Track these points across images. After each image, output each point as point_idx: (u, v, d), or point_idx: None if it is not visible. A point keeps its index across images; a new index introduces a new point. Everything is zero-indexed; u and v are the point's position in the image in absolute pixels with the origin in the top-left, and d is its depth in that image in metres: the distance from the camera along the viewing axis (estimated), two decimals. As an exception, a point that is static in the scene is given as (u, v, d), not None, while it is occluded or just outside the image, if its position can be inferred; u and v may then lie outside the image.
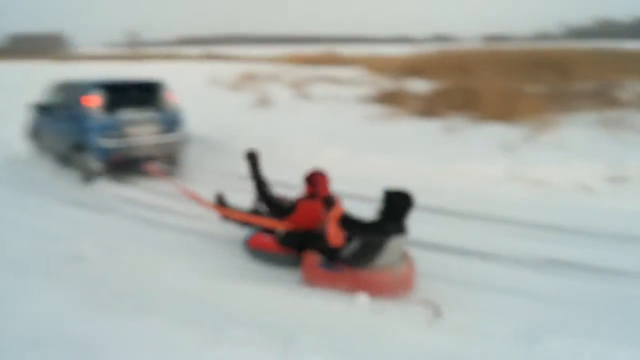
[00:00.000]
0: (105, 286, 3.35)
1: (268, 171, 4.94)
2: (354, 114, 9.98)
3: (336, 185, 4.21)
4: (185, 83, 21.49)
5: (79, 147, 6.43)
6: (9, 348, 2.57)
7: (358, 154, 7.25)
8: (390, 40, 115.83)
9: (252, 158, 4.45)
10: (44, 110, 7.32)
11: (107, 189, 6.27)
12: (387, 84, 13.37)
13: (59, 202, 5.77)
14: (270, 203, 4.29)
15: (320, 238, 3.63)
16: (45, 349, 2.51)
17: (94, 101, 6.34)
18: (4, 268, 3.64)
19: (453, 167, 6.48)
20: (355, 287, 3.27)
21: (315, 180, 3.90)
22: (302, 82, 14.70)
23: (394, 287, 3.28)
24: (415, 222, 3.49)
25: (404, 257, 3.44)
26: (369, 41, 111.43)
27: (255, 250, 3.97)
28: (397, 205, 3.28)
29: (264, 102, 11.85)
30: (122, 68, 28.32)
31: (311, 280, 3.49)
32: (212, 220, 4.73)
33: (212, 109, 11.46)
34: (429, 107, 9.65)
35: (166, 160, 6.91)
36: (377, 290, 3.25)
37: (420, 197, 3.44)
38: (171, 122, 6.89)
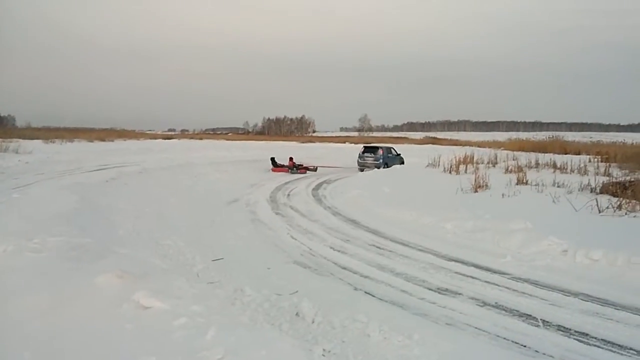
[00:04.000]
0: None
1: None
2: (578, 202, 9.19)
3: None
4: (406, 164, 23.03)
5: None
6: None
7: (579, 249, 6.72)
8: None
9: (273, 159, 23.82)
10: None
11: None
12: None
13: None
14: (277, 164, 23.63)
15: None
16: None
17: (361, 149, 25.16)
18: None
19: None
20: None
21: (290, 158, 23.64)
22: (522, 168, 14.24)
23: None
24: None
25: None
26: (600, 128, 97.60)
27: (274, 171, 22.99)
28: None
29: (479, 186, 11.93)
30: (346, 147, 33.89)
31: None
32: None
33: (424, 195, 12.09)
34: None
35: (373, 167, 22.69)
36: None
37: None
38: (377, 158, 23.53)
